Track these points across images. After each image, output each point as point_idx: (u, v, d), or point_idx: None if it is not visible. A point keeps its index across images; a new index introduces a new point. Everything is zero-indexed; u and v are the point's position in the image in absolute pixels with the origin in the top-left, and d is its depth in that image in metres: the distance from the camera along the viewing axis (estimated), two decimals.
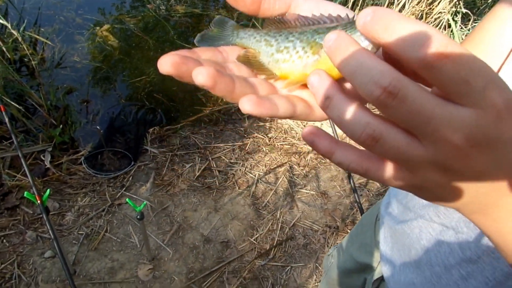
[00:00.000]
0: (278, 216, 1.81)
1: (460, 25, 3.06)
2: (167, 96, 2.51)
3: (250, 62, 0.30)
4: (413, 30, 0.18)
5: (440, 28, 2.89)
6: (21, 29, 2.61)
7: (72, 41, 2.83)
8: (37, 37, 2.76)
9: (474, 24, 3.22)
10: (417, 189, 0.24)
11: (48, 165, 1.84)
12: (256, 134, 2.22)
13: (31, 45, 2.72)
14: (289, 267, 1.63)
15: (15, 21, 2.83)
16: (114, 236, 1.64)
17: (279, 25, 0.30)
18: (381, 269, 0.63)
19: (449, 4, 2.77)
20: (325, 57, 0.25)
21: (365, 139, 0.21)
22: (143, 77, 2.62)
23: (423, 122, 0.19)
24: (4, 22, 2.37)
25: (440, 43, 0.18)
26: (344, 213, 1.84)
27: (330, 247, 1.70)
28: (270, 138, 2.21)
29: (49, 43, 2.74)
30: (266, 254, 1.66)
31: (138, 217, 1.28)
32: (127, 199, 1.20)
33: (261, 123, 2.30)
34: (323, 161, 2.11)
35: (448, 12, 2.82)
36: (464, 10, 3.05)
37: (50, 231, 1.09)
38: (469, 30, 3.11)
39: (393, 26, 0.18)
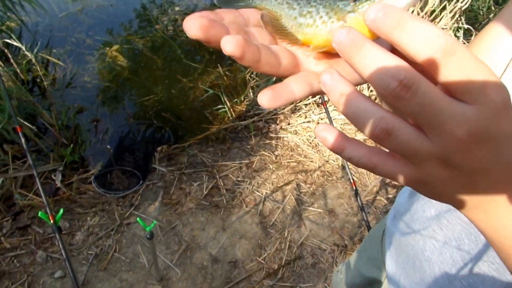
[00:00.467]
0: (286, 235, 1.81)
1: (462, 40, 3.10)
2: (175, 115, 2.55)
3: (273, 24, 0.29)
4: (423, 28, 0.20)
5: None
6: (35, 51, 2.69)
7: (83, 62, 2.90)
8: (50, 58, 2.84)
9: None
10: (421, 184, 0.25)
11: (59, 185, 1.87)
12: (262, 152, 2.24)
13: (43, 66, 2.80)
14: (298, 287, 1.62)
15: (29, 43, 2.92)
16: (123, 256, 1.65)
17: None
18: (387, 283, 0.64)
19: (451, 20, 2.81)
20: (350, 23, 0.25)
21: (379, 133, 0.22)
22: (151, 96, 2.68)
23: (431, 115, 0.21)
24: (19, 44, 2.45)
25: (447, 42, 0.20)
26: (352, 231, 1.84)
27: (338, 266, 1.69)
28: (276, 155, 2.23)
29: (61, 63, 2.81)
30: (274, 274, 1.66)
31: (148, 236, 1.30)
32: (137, 219, 1.22)
33: (268, 141, 2.32)
34: (330, 178, 2.12)
35: (450, 28, 2.86)
36: (466, 26, 3.09)
37: (62, 251, 1.11)
38: None
39: (404, 24, 0.20)
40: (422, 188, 0.26)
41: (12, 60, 2.52)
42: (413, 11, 2.63)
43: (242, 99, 2.63)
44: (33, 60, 2.52)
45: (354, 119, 0.23)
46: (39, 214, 1.15)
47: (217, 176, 2.07)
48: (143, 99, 2.65)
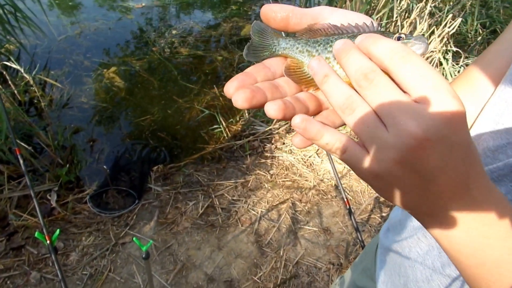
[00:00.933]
0: (281, 254, 1.81)
1: (451, 63, 3.20)
2: (171, 135, 2.58)
3: (296, 74, 0.33)
4: (389, 45, 0.25)
5: (432, 66, 3.01)
6: (33, 72, 2.73)
7: (80, 83, 2.94)
8: (47, 79, 2.88)
9: (465, 61, 3.36)
10: (378, 179, 0.27)
11: (54, 205, 1.87)
12: (258, 171, 2.26)
13: (41, 87, 2.83)
14: None
15: (27, 65, 2.97)
16: (118, 276, 1.64)
17: (311, 33, 0.33)
18: None
19: (440, 43, 2.91)
20: None
21: (345, 107, 0.27)
22: (147, 116, 2.71)
23: (389, 107, 0.25)
24: (17, 67, 2.49)
25: (404, 51, 0.25)
26: (347, 249, 1.85)
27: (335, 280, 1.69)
28: (272, 174, 2.25)
29: (58, 85, 2.85)
30: None
31: (143, 256, 1.29)
32: (133, 238, 1.23)
33: (263, 160, 2.35)
34: (325, 197, 2.14)
35: (439, 51, 2.96)
36: (454, 49, 3.20)
37: (58, 272, 1.11)
38: (460, 67, 3.25)
39: (380, 44, 0.26)
40: (379, 184, 0.28)
41: (10, 82, 2.55)
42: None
43: (238, 119, 2.67)
44: (31, 82, 2.55)
45: (329, 94, 0.28)
46: (36, 234, 1.16)
47: (213, 195, 2.08)
48: (139, 119, 2.68)
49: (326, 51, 0.31)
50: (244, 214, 2.00)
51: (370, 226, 1.98)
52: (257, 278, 1.69)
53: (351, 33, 0.31)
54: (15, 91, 2.53)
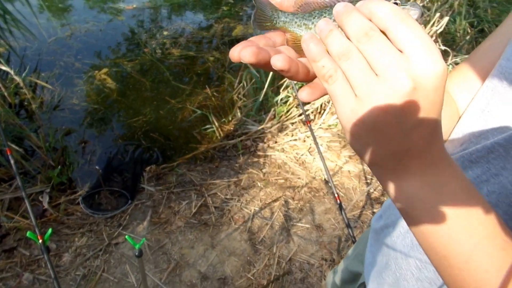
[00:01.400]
0: (274, 251, 1.82)
1: None
2: (163, 135, 2.58)
3: (297, 46, 0.34)
4: (391, 7, 0.27)
5: None
6: (23, 75, 2.72)
7: (71, 85, 2.93)
8: (38, 81, 2.86)
9: (454, 59, 3.42)
10: (359, 125, 0.29)
11: (46, 206, 1.86)
12: (250, 170, 2.28)
13: (31, 89, 2.82)
14: None
15: (17, 67, 2.95)
16: (111, 276, 1.64)
17: (306, 7, 0.35)
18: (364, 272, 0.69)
19: None
20: None
21: (343, 55, 0.28)
22: (139, 117, 2.71)
23: (382, 58, 0.27)
24: (7, 69, 2.47)
25: (404, 14, 0.27)
26: (339, 245, 1.87)
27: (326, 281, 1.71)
28: (264, 173, 2.27)
29: (49, 87, 2.84)
30: None
31: (136, 254, 1.30)
32: (126, 236, 1.23)
33: (255, 159, 2.36)
34: (317, 194, 2.16)
35: None
36: (443, 48, 3.25)
37: (50, 271, 1.11)
38: (449, 65, 3.30)
39: (383, 5, 0.28)
40: (357, 130, 0.29)
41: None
42: None
43: (230, 118, 2.68)
44: (21, 84, 2.54)
45: (330, 43, 0.29)
46: (28, 234, 1.16)
47: (206, 195, 2.09)
48: (132, 120, 2.68)
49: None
50: (237, 212, 2.01)
51: (362, 222, 2.00)
52: (251, 275, 1.71)
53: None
54: (5, 93, 2.51)
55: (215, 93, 2.99)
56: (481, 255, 0.30)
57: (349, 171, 2.33)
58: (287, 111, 2.61)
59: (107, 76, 3.09)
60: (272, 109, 2.59)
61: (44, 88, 2.83)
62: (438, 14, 2.81)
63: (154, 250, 1.77)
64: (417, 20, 0.29)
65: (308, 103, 2.64)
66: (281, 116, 2.59)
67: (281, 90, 2.62)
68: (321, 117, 2.61)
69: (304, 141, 2.50)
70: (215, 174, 2.25)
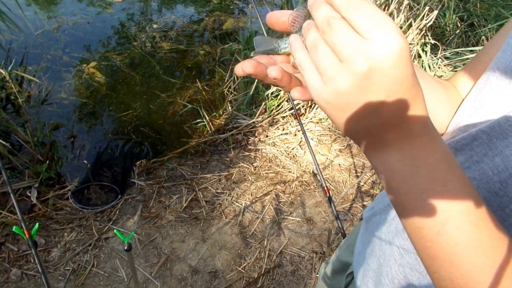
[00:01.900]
0: (265, 244, 1.83)
1: (430, 55, 3.27)
2: (154, 130, 2.57)
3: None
4: None
5: (411, 57, 3.08)
6: (9, 68, 2.67)
7: (59, 79, 2.89)
8: (24, 75, 2.81)
9: (443, 53, 3.45)
10: (329, 106, 0.32)
11: (34, 201, 1.84)
12: (241, 164, 2.28)
13: (18, 83, 2.77)
14: None
15: (2, 60, 2.89)
16: (101, 271, 1.63)
17: (296, 23, 0.38)
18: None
19: (418, 36, 2.97)
20: None
21: (312, 46, 0.32)
22: (129, 111, 2.69)
23: (342, 44, 0.29)
24: None
25: (358, 1, 0.29)
26: (329, 238, 1.88)
27: (317, 273, 1.73)
28: (255, 167, 2.27)
29: (36, 80, 2.79)
30: (254, 282, 1.67)
31: (125, 248, 1.29)
32: (115, 230, 1.22)
33: (246, 153, 2.36)
34: (308, 187, 2.17)
35: (417, 43, 3.02)
36: (432, 41, 3.27)
37: (38, 266, 1.10)
38: (438, 59, 3.33)
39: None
40: (329, 110, 0.32)
41: None
42: None
43: (221, 113, 2.67)
44: (7, 77, 2.49)
45: (305, 39, 0.33)
46: (14, 228, 1.14)
47: (197, 189, 2.08)
48: (121, 115, 2.66)
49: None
50: (228, 206, 2.01)
51: (352, 215, 2.02)
52: (242, 269, 1.71)
53: None
54: None
55: (205, 87, 2.98)
56: (452, 228, 0.31)
57: (339, 164, 2.35)
58: (278, 105, 2.61)
59: (96, 70, 3.05)
60: (263, 103, 2.58)
61: (31, 82, 2.79)
62: (427, 8, 2.82)
63: (145, 244, 1.77)
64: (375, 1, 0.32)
65: None
66: (272, 110, 2.59)
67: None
68: (311, 110, 2.62)
69: (295, 135, 2.50)
70: (206, 168, 2.24)
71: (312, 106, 2.64)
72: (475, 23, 3.89)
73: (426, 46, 3.20)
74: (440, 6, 3.31)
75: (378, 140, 0.32)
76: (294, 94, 0.37)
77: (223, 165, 2.27)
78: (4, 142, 2.03)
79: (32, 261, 1.60)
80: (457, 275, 0.32)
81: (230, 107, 2.68)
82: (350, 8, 0.29)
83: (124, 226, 1.84)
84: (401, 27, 2.86)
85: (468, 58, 3.24)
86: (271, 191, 2.12)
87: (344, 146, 2.45)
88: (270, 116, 2.58)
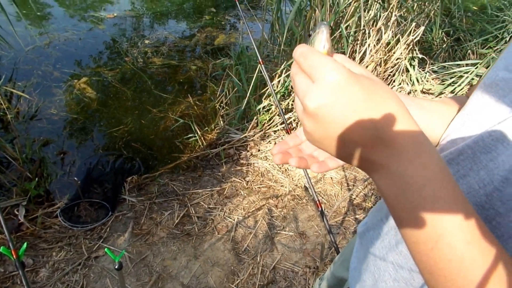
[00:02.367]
0: (258, 260, 1.81)
1: (418, 69, 3.34)
2: (145, 145, 2.55)
3: None
4: (297, 52, 0.36)
5: (399, 72, 3.14)
6: None
7: (50, 94, 2.87)
8: (13, 90, 2.79)
9: (431, 67, 3.52)
10: (308, 123, 0.35)
11: (22, 220, 1.80)
12: (233, 179, 2.27)
13: (7, 99, 2.74)
14: None
15: None
16: None
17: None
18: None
19: (405, 50, 3.04)
20: None
21: (292, 74, 0.37)
22: (121, 126, 2.67)
23: (298, 91, 0.35)
24: None
25: (303, 53, 0.35)
26: (322, 252, 1.87)
27: (320, 275, 1.71)
28: (247, 181, 2.26)
29: (26, 96, 2.77)
30: None
31: (116, 267, 1.27)
32: (105, 249, 1.20)
33: (238, 167, 2.36)
34: (300, 201, 2.16)
35: (405, 58, 3.09)
36: (420, 56, 3.34)
37: (25, 287, 1.07)
38: (426, 73, 3.40)
39: (295, 52, 0.37)
40: (314, 143, 0.37)
41: None
42: (369, 44, 2.83)
43: (213, 127, 2.67)
44: None
45: (293, 64, 0.38)
46: (1, 249, 1.11)
47: (189, 204, 2.06)
48: (112, 130, 2.64)
49: None
50: (221, 222, 1.99)
51: (344, 229, 2.02)
52: (235, 286, 1.69)
53: None
54: None
55: (197, 102, 2.98)
56: (445, 245, 0.32)
57: (331, 177, 2.35)
58: (270, 119, 2.62)
59: (87, 85, 3.04)
60: (255, 118, 2.59)
61: (21, 98, 2.76)
62: (414, 24, 2.89)
63: (136, 262, 1.73)
64: (325, 33, 0.38)
65: (290, 111, 2.66)
66: (263, 125, 2.60)
67: (263, 99, 2.63)
68: None
69: None
70: (198, 183, 2.23)
71: None
72: (461, 37, 4.00)
73: (414, 61, 3.26)
74: (426, 22, 3.40)
75: (365, 161, 0.34)
76: (313, 169, 0.44)
77: (215, 180, 2.26)
78: None
79: (19, 282, 1.55)
80: None
81: (222, 122, 2.68)
82: (301, 60, 0.35)
83: (115, 244, 1.81)
84: (389, 43, 2.92)
85: (455, 72, 3.32)
86: (263, 205, 2.11)
87: None
88: (262, 130, 2.59)
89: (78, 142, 2.53)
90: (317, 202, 1.43)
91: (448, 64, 3.51)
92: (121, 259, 1.27)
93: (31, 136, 2.49)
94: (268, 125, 2.62)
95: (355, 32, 2.84)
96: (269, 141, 2.55)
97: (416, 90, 3.23)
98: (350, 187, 2.30)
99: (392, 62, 3.03)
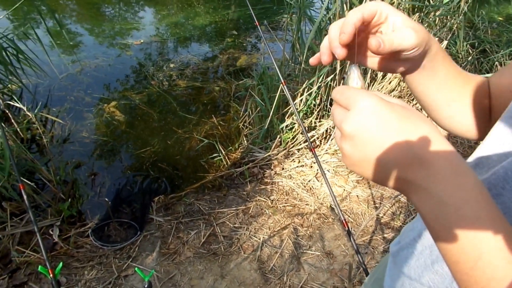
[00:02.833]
0: (285, 280, 1.80)
1: None
2: (171, 165, 2.62)
3: None
4: (335, 92, 0.41)
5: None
6: (35, 110, 2.81)
7: (81, 118, 3.01)
8: (48, 116, 2.95)
9: None
10: (345, 152, 0.39)
11: (56, 239, 1.87)
12: (258, 198, 2.28)
13: (43, 124, 2.90)
14: None
15: (29, 103, 3.05)
16: None
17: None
18: None
19: None
20: None
21: (333, 109, 0.41)
22: (147, 148, 2.76)
23: (336, 122, 0.39)
24: (20, 105, 2.56)
25: (339, 91, 0.41)
26: (350, 272, 1.83)
27: None
28: (272, 200, 2.27)
29: (60, 121, 2.92)
30: None
31: (145, 286, 1.29)
32: (135, 268, 1.23)
33: (263, 186, 2.37)
34: (326, 220, 2.14)
35: None
36: None
37: None
38: None
39: (333, 93, 0.42)
40: (351, 168, 0.39)
41: (13, 120, 2.62)
42: None
43: (237, 146, 2.71)
44: (33, 119, 2.62)
45: (333, 103, 0.43)
46: (39, 268, 1.16)
47: (214, 224, 2.08)
48: (140, 151, 2.73)
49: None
50: (246, 241, 2.00)
51: (372, 248, 1.97)
52: None
53: None
54: (18, 129, 2.59)
55: (221, 122, 3.04)
56: (485, 264, 0.32)
57: (357, 196, 2.32)
58: (293, 138, 2.64)
59: (115, 108, 3.17)
60: (278, 136, 2.62)
61: (55, 123, 2.91)
62: (437, 39, 2.87)
63: (164, 281, 1.76)
64: (356, 72, 0.43)
65: (313, 129, 2.67)
66: (287, 143, 2.62)
67: (286, 117, 2.66)
68: (326, 142, 2.63)
69: (311, 167, 2.50)
70: (223, 202, 2.25)
71: (327, 138, 2.66)
72: (487, 49, 3.91)
73: None
74: (450, 35, 3.36)
75: (402, 182, 0.35)
76: (312, 61, 0.52)
77: (240, 199, 2.28)
78: (28, 182, 2.10)
79: None
80: None
81: (245, 141, 2.72)
82: (338, 97, 0.40)
83: (143, 263, 1.84)
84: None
85: None
86: (289, 224, 2.11)
87: (361, 177, 2.44)
88: (286, 148, 2.60)
89: (108, 164, 2.63)
90: (344, 221, 1.42)
91: None
92: (150, 278, 1.29)
93: (64, 158, 2.60)
94: (292, 143, 2.63)
95: None
96: (293, 160, 2.56)
97: None
98: (377, 205, 2.26)
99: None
